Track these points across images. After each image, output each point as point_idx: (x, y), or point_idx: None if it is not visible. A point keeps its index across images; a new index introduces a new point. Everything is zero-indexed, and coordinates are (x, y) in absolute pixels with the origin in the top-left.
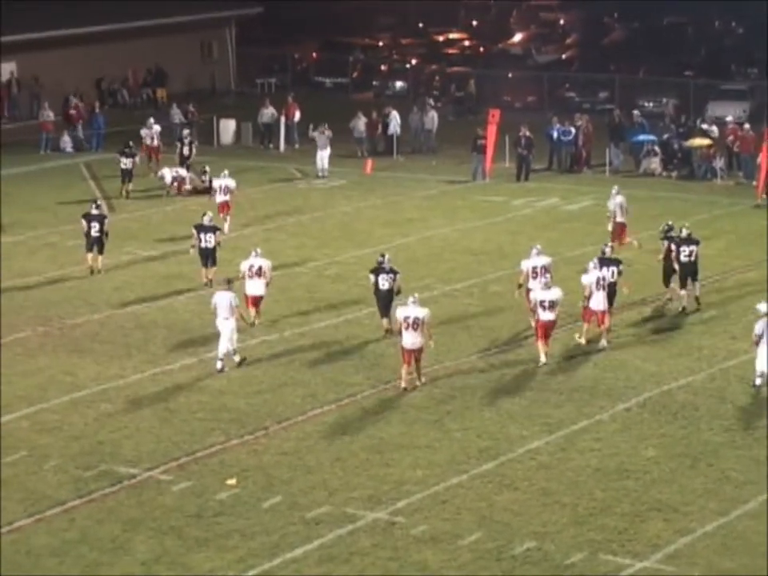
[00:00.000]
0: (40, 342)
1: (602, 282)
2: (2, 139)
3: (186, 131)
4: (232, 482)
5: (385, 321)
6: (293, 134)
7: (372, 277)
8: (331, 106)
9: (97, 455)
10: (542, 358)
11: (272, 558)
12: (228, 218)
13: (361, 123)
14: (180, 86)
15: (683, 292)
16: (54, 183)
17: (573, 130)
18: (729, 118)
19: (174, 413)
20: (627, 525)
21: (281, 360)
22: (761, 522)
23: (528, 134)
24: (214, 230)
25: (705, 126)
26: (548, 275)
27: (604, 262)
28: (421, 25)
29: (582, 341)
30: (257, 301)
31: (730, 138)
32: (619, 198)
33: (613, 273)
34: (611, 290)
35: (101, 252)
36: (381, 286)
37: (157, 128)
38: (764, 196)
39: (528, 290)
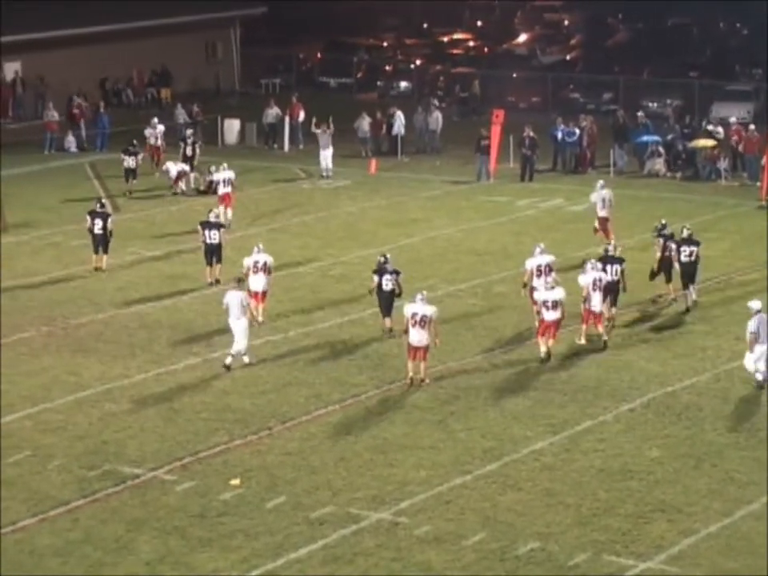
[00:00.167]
0: (44, 341)
1: (598, 283)
2: (7, 139)
3: (188, 131)
4: (236, 482)
5: (387, 320)
6: (297, 134)
7: (376, 278)
8: (335, 106)
9: (101, 455)
10: (543, 348)
11: (276, 559)
12: (229, 210)
13: (365, 123)
14: (184, 86)
15: (690, 290)
16: (59, 183)
17: (577, 130)
18: (732, 119)
19: (178, 413)
20: (631, 525)
21: (285, 360)
22: (764, 523)
23: (532, 134)
24: (219, 226)
25: (711, 127)
26: (552, 274)
27: (607, 260)
28: (425, 25)
29: (582, 341)
30: (262, 296)
31: (734, 138)
32: (604, 192)
33: (616, 271)
34: (615, 289)
35: (105, 251)
36: (384, 287)
37: (161, 128)
38: None
39: (532, 289)
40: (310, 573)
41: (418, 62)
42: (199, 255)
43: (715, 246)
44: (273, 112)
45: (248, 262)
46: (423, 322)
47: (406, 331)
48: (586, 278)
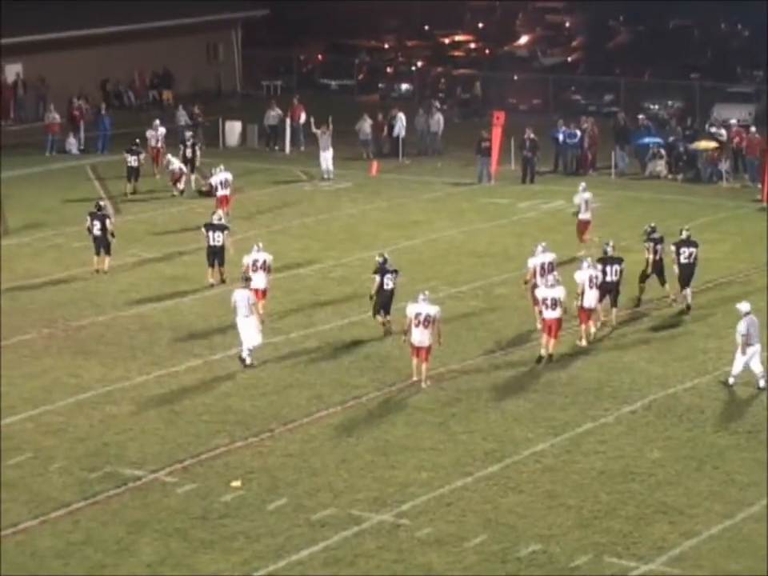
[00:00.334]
0: (45, 343)
1: (594, 281)
2: (8, 141)
3: (188, 133)
4: (237, 483)
5: (388, 317)
6: (298, 136)
7: (378, 278)
8: (337, 108)
9: (102, 457)
10: (542, 351)
11: (277, 560)
12: (228, 211)
13: (366, 125)
14: (186, 88)
15: (687, 291)
16: (60, 185)
17: (578, 132)
18: (733, 121)
19: (179, 415)
20: (632, 527)
21: (286, 362)
22: (765, 525)
23: (533, 136)
24: (222, 228)
25: (714, 129)
26: (554, 272)
27: (607, 261)
28: (426, 27)
29: (584, 343)
30: (262, 294)
31: (735, 140)
32: (586, 195)
33: (616, 271)
34: (616, 289)
35: (107, 253)
36: (385, 286)
37: (162, 130)
38: None
39: (534, 287)
40: (311, 574)
41: (419, 64)
42: (200, 257)
43: (716, 247)
44: (274, 114)
45: (247, 260)
46: (427, 321)
47: (406, 332)
48: (581, 275)
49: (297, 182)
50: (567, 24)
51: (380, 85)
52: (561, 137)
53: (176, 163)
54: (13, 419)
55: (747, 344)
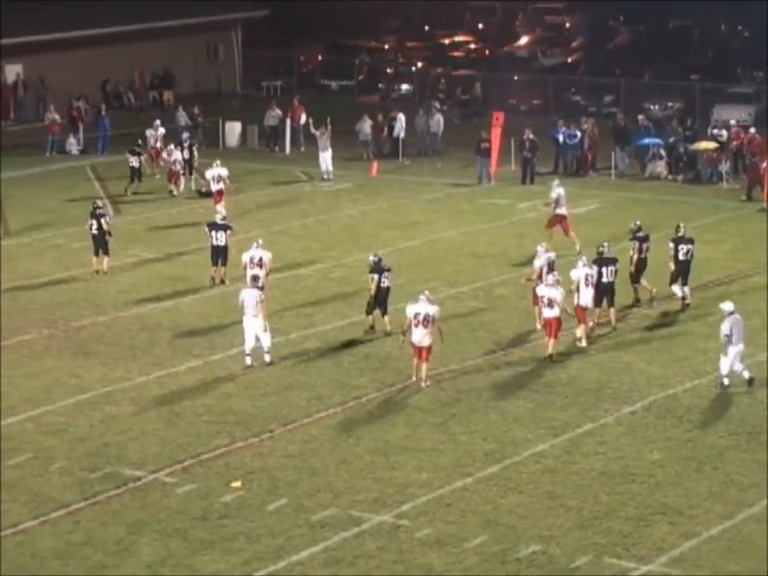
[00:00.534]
0: (45, 344)
1: (590, 279)
2: (8, 141)
3: (185, 134)
4: (237, 484)
5: (384, 317)
6: (298, 136)
7: (376, 276)
8: (337, 108)
9: (102, 457)
10: (549, 350)
11: (277, 561)
12: (224, 206)
13: (366, 126)
14: (186, 89)
15: (686, 289)
16: (60, 185)
17: (578, 133)
18: (732, 122)
19: (179, 415)
20: (632, 528)
21: (286, 362)
22: (765, 526)
23: (532, 136)
24: (225, 228)
25: (716, 131)
26: (555, 272)
27: (603, 261)
28: (426, 28)
29: (584, 344)
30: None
31: (735, 142)
32: (560, 189)
33: (612, 272)
34: (611, 289)
35: (106, 253)
36: (382, 284)
37: (161, 131)
38: None
39: (535, 287)
40: (312, 575)
41: (419, 65)
42: (200, 257)
43: (716, 248)
44: (274, 114)
45: (246, 257)
46: (426, 321)
47: (404, 332)
48: (577, 273)
49: (297, 182)
50: (567, 25)
51: (380, 85)
52: (561, 137)
53: (176, 154)
54: (13, 419)
55: (731, 344)
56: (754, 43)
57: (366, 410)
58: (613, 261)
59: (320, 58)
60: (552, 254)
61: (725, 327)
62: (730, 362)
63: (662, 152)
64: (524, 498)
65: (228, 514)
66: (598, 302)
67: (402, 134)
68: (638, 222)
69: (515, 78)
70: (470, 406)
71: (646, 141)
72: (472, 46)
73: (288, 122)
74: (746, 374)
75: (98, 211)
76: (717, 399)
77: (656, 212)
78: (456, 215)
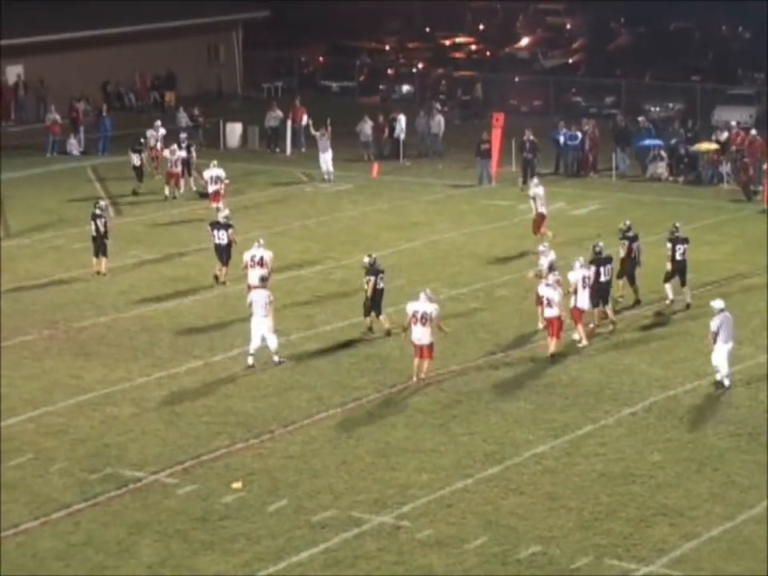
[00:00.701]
0: (46, 344)
1: (587, 281)
2: (9, 142)
3: (183, 135)
4: (237, 485)
5: (379, 317)
6: (299, 137)
7: (372, 278)
8: (338, 109)
9: (102, 458)
10: (551, 349)
11: (277, 562)
12: (222, 206)
13: (367, 127)
14: (187, 89)
15: (685, 289)
16: (61, 186)
17: (579, 134)
18: (733, 123)
19: (179, 416)
20: (633, 529)
21: (287, 363)
22: (766, 527)
23: (532, 137)
24: (226, 227)
25: (717, 133)
26: (556, 272)
27: (601, 261)
28: (427, 29)
29: (584, 342)
30: None
31: (733, 146)
32: (538, 189)
33: (608, 271)
34: (608, 289)
35: (104, 254)
36: (378, 286)
37: (162, 131)
38: None
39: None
40: None
41: (420, 66)
42: (200, 258)
43: (717, 249)
44: (275, 115)
45: (246, 256)
46: (424, 319)
47: (405, 329)
48: (574, 275)
49: (297, 183)
50: (568, 26)
51: (381, 86)
52: (562, 139)
53: (179, 153)
54: (13, 420)
55: (720, 341)
56: (755, 44)
57: (367, 411)
58: (609, 260)
59: (321, 58)
60: (553, 255)
61: (713, 324)
62: (719, 357)
63: (663, 153)
64: (524, 499)
65: (228, 515)
66: (596, 302)
67: (403, 135)
68: (628, 222)
69: (516, 79)
70: (470, 407)
71: (647, 142)
72: (473, 47)
73: (289, 123)
74: (722, 378)
75: (96, 212)
76: (717, 400)
77: (657, 213)
78: (457, 216)
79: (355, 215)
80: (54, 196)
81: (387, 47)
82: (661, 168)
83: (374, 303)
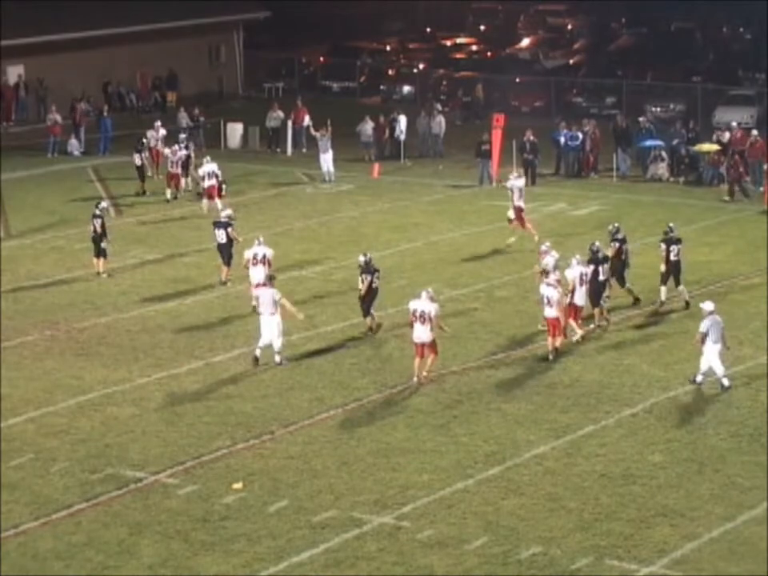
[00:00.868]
0: (47, 345)
1: (584, 278)
2: (10, 142)
3: (182, 136)
4: (238, 485)
5: (369, 319)
6: (300, 138)
7: (368, 277)
8: (339, 110)
9: (103, 459)
10: (551, 348)
11: (278, 563)
12: (218, 201)
13: (368, 127)
14: (187, 90)
15: (681, 288)
16: (62, 187)
17: (580, 135)
18: (734, 124)
19: (180, 416)
20: (633, 530)
21: (287, 365)
22: (766, 528)
23: (533, 138)
24: (225, 225)
25: (719, 134)
26: (556, 271)
27: (598, 261)
28: (428, 29)
29: (579, 333)
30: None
31: (733, 148)
32: (519, 182)
33: (605, 270)
34: (601, 288)
35: (103, 255)
36: (373, 285)
37: (162, 132)
38: None
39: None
40: None
41: (421, 66)
42: (201, 258)
43: (718, 250)
44: (276, 116)
45: (248, 254)
46: (423, 318)
47: (411, 326)
48: (572, 272)
49: (298, 184)
50: (569, 26)
51: (382, 87)
52: (563, 139)
53: (180, 152)
54: (14, 421)
55: (710, 342)
56: (756, 45)
57: (367, 411)
58: (606, 260)
59: (322, 59)
60: (555, 254)
61: (702, 326)
62: (708, 359)
63: (664, 154)
64: (525, 499)
65: (229, 516)
66: (595, 302)
67: (404, 136)
68: (616, 225)
69: (517, 79)
70: (470, 408)
71: (648, 143)
72: (474, 47)
73: (290, 123)
74: (699, 378)
75: (96, 212)
76: (718, 401)
77: (657, 214)
78: (457, 217)
79: (356, 216)
80: (54, 196)
81: (388, 48)
82: (662, 169)
83: (366, 302)
